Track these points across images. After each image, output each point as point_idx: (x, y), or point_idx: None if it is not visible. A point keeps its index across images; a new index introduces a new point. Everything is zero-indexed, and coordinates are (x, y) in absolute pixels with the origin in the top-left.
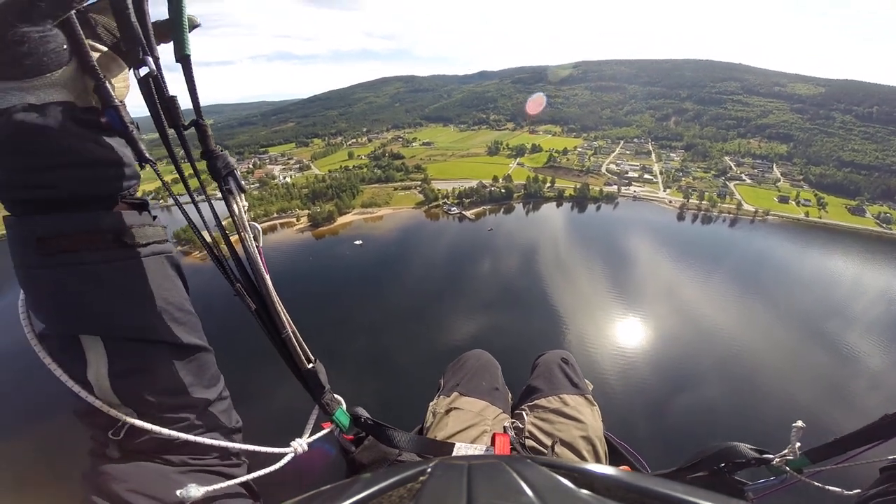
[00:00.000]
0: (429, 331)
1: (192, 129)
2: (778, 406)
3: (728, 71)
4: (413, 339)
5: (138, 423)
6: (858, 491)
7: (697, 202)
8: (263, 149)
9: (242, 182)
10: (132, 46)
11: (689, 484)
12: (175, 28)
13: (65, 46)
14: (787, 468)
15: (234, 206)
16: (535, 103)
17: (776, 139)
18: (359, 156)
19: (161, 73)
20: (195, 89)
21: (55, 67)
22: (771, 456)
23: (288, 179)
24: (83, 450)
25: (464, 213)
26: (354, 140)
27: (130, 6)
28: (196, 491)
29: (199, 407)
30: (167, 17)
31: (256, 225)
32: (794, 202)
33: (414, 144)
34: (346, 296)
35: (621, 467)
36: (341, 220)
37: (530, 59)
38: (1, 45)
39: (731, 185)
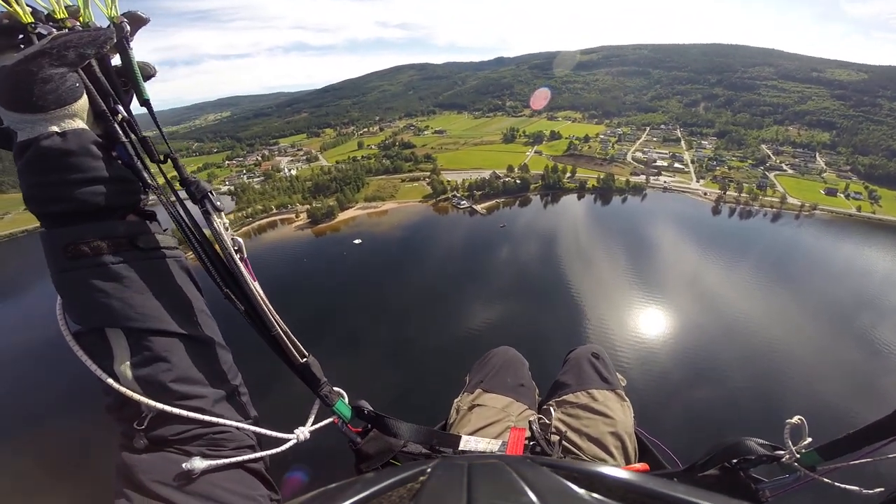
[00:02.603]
0: (424, 346)
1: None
2: (819, 403)
3: (760, 56)
4: (417, 355)
5: (159, 405)
6: (881, 489)
7: (736, 194)
8: (274, 140)
9: (218, 203)
10: (104, 98)
11: (701, 483)
12: (130, 80)
13: (77, 84)
14: (798, 466)
15: (215, 224)
16: (540, 98)
17: (817, 127)
18: (369, 145)
19: (132, 117)
20: (160, 128)
21: (72, 101)
22: (782, 452)
23: (293, 172)
24: (88, 450)
25: (474, 206)
26: (366, 129)
27: (95, 64)
28: (200, 463)
29: (217, 397)
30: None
31: (238, 239)
32: (842, 195)
33: (426, 133)
34: (349, 296)
35: (628, 466)
36: (343, 215)
37: (549, 45)
38: (32, 83)
39: (772, 175)
